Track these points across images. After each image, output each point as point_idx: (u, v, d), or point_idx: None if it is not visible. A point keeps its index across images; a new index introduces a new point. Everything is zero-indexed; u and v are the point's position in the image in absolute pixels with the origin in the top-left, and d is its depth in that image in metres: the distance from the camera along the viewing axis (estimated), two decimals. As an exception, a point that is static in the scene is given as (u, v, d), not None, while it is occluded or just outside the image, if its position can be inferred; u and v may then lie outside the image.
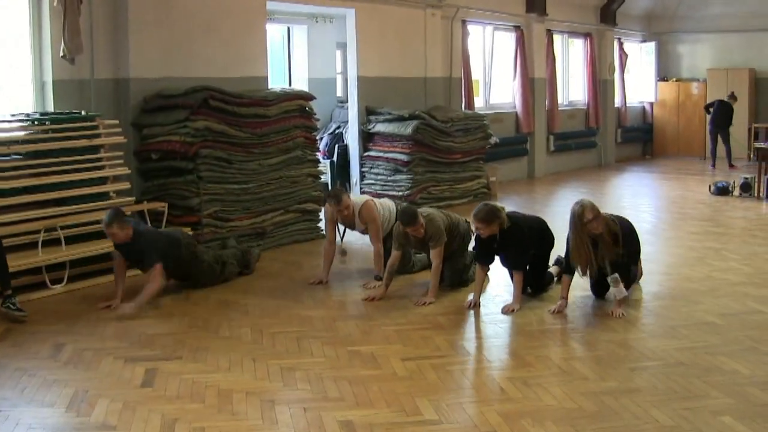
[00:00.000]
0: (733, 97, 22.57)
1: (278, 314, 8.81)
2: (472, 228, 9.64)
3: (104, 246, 10.04)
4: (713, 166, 22.67)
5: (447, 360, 7.33)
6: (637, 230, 9.34)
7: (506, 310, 8.75)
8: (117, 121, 11.14)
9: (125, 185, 10.97)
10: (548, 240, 9.52)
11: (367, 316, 8.76)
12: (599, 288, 9.11)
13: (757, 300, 9.17)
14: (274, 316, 8.73)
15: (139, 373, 6.99)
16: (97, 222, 10.13)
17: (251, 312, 8.92)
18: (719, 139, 22.67)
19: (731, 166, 22.36)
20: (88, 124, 10.63)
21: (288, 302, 9.30)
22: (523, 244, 9.01)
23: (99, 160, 10.71)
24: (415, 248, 9.83)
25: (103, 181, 10.71)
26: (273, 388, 6.64)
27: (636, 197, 18.21)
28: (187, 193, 11.31)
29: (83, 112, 10.76)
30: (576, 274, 8.84)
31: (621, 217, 9.21)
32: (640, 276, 9.70)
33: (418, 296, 9.34)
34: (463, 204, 15.96)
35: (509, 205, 15.71)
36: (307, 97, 12.97)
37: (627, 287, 8.83)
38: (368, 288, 9.81)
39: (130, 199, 11.00)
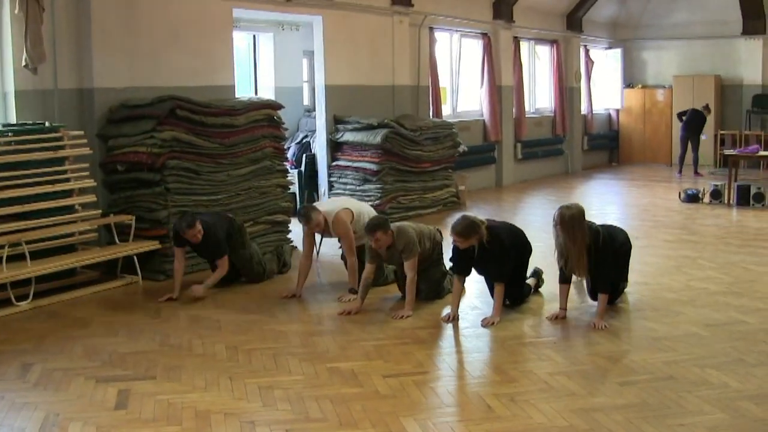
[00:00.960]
0: (707, 109, 22.52)
1: (252, 330, 8.57)
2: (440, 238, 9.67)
3: (70, 261, 9.89)
4: (680, 172, 22.59)
5: (430, 376, 7.14)
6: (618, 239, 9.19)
7: (486, 323, 8.55)
8: (82, 132, 10.85)
9: (91, 198, 10.70)
10: (527, 250, 9.34)
11: (343, 330, 8.53)
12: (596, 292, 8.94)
13: (738, 310, 9.04)
14: (248, 332, 8.49)
15: (112, 395, 6.73)
16: (62, 236, 9.96)
17: (224, 328, 8.67)
18: (689, 146, 22.59)
19: (697, 173, 22.35)
20: (52, 135, 10.33)
21: (261, 317, 9.07)
22: (504, 256, 8.80)
23: (64, 172, 10.41)
24: (387, 261, 9.56)
25: (68, 193, 10.43)
26: (252, 409, 6.40)
27: (605, 205, 18.06)
28: (154, 206, 11.02)
29: (47, 123, 10.46)
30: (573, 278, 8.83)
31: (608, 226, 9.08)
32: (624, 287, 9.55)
33: (393, 309, 9.15)
34: (433, 213, 15.85)
35: (480, 214, 15.58)
36: (275, 106, 12.74)
37: (612, 299, 8.72)
38: (343, 301, 9.58)
39: (96, 212, 10.73)
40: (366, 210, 10.33)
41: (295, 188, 15.42)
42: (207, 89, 12.51)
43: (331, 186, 15.54)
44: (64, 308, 9.51)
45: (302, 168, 15.75)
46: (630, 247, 9.39)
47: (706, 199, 17.14)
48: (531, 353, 7.73)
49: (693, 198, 17.25)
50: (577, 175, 23.70)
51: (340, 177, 15.47)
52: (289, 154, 15.97)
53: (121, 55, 11.61)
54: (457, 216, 8.90)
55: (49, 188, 10.19)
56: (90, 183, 10.69)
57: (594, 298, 8.98)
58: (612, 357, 7.53)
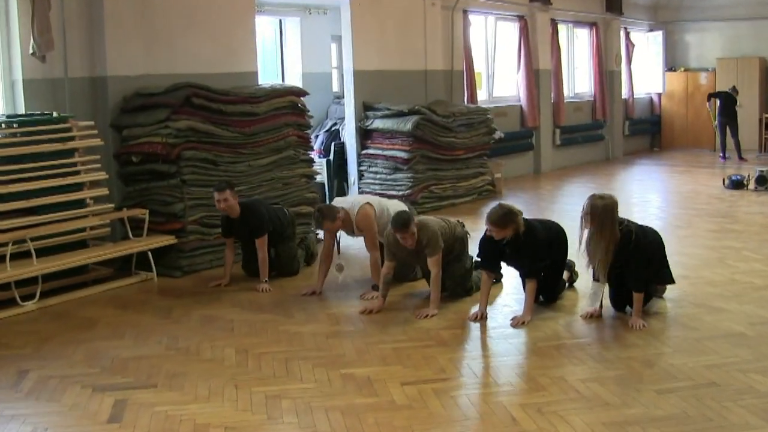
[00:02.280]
0: (734, 90, 22.00)
1: (266, 331, 8.07)
2: (468, 231, 9.21)
3: (79, 258, 9.47)
4: (723, 157, 22.00)
5: (451, 384, 6.59)
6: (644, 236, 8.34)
7: (516, 323, 8.00)
8: (92, 123, 10.37)
9: (103, 191, 10.22)
10: (564, 245, 8.77)
11: (363, 331, 8.01)
12: (619, 300, 8.31)
13: (786, 306, 8.44)
14: (261, 334, 7.99)
15: (107, 405, 6.25)
16: (72, 232, 9.54)
17: (237, 329, 8.18)
18: (728, 131, 21.97)
19: (741, 158, 21.72)
20: (60, 126, 9.86)
21: (277, 317, 8.57)
22: (538, 250, 8.24)
23: (74, 164, 9.93)
24: (409, 259, 9.03)
25: (78, 187, 9.95)
26: (255, 422, 5.90)
27: (646, 192, 17.49)
28: (169, 199, 10.56)
29: (54, 114, 9.99)
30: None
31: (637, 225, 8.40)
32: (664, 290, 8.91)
33: (419, 308, 8.61)
34: (467, 202, 15.36)
35: (516, 202, 15.07)
36: (299, 92, 12.25)
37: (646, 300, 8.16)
38: (365, 299, 9.07)
39: (108, 205, 10.28)
40: (388, 205, 9.81)
41: (323, 178, 14.98)
42: (228, 76, 12.01)
43: (361, 175, 15.03)
44: (73, 308, 9.06)
45: (331, 157, 15.25)
46: (663, 246, 8.58)
47: (751, 185, 16.49)
48: (563, 357, 7.15)
49: (737, 184, 16.60)
50: (617, 161, 23.08)
51: (370, 166, 14.95)
52: (318, 143, 15.51)
53: (135, 42, 11.09)
54: (492, 205, 8.35)
55: (57, 181, 9.71)
56: (102, 176, 10.22)
57: (617, 307, 8.34)
58: (649, 360, 6.95)
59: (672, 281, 8.48)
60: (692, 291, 9.06)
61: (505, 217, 8.04)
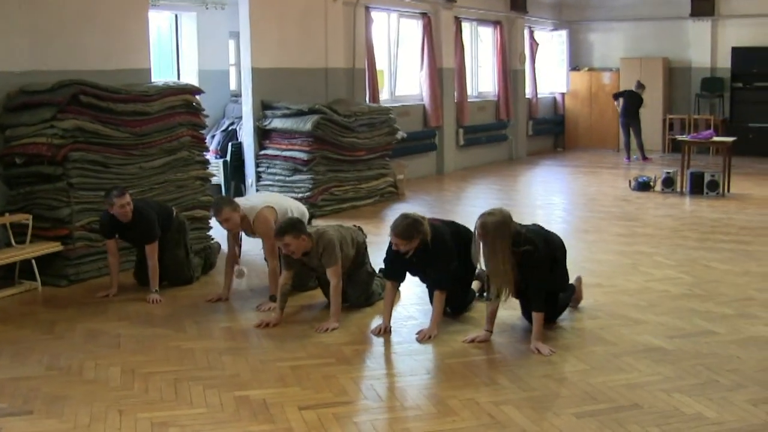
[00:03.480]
0: (640, 86, 21.84)
1: (155, 348, 7.50)
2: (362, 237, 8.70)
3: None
4: (628, 158, 21.88)
5: (353, 407, 6.09)
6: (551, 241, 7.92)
7: (422, 337, 7.54)
8: (-33, 122, 9.67)
9: (-20, 195, 9.54)
10: (469, 244, 7.89)
11: (259, 348, 7.48)
12: (530, 311, 7.65)
13: (704, 317, 8.10)
14: (149, 351, 7.41)
15: (-27, 438, 5.65)
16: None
17: (123, 345, 7.59)
18: (631, 131, 21.88)
19: (645, 158, 21.69)
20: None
21: (168, 331, 7.99)
22: (447, 259, 7.76)
23: (-53, 167, 9.25)
24: (306, 269, 8.48)
25: (-47, 190, 9.29)
26: (138, 455, 5.34)
27: (551, 194, 17.22)
28: (55, 203, 9.93)
29: None
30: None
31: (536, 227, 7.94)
32: (579, 300, 8.52)
33: (318, 320, 8.12)
34: (369, 205, 14.89)
35: (420, 205, 14.69)
36: (194, 91, 11.67)
37: (552, 317, 7.72)
38: (262, 310, 8.57)
39: (-11, 210, 9.61)
40: (293, 207, 9.30)
41: (219, 179, 14.41)
42: (121, 73, 11.36)
43: (258, 177, 14.44)
44: (-55, 322, 8.40)
45: (228, 158, 14.65)
46: (565, 251, 8.08)
47: (658, 187, 16.32)
48: (473, 375, 6.67)
49: (644, 186, 16.40)
50: (521, 161, 22.81)
51: (268, 167, 14.36)
52: (214, 143, 14.93)
53: (21, 35, 10.37)
54: (396, 210, 7.86)
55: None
56: (-21, 178, 9.54)
57: (528, 318, 7.74)
58: (565, 379, 6.53)
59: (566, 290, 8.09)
60: (606, 300, 8.69)
61: (410, 227, 7.54)
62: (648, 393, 6.17)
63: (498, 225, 7.20)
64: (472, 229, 7.64)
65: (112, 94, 10.43)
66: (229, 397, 6.25)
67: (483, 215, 7.31)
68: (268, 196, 10.14)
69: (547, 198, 16.55)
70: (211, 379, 6.64)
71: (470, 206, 15.10)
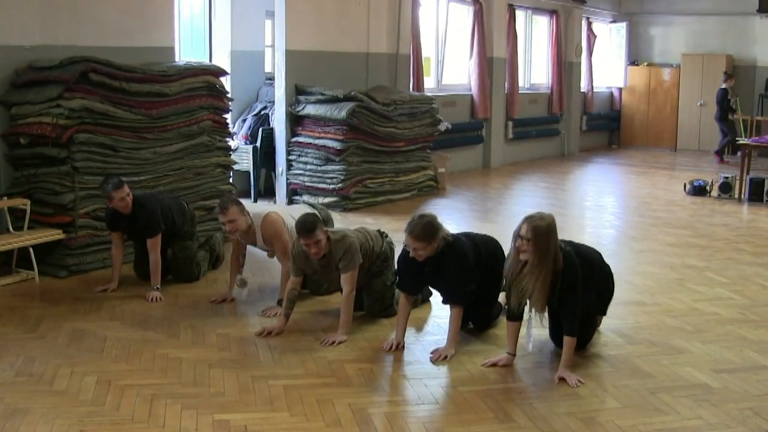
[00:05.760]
0: (727, 77, 21.24)
1: (140, 355, 6.78)
2: (393, 243, 7.89)
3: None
4: (720, 159, 21.05)
5: (345, 443, 5.31)
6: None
7: (437, 357, 6.73)
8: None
9: (-23, 176, 8.92)
10: (501, 263, 7.10)
11: (253, 360, 6.72)
12: (559, 332, 6.75)
13: (756, 348, 7.19)
14: (133, 359, 6.71)
15: None
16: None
17: (107, 350, 6.89)
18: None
19: (721, 160, 20.86)
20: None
21: (159, 336, 7.29)
22: (464, 271, 6.91)
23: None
24: (320, 274, 7.73)
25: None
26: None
27: (601, 195, 16.35)
28: (59, 188, 9.31)
29: None
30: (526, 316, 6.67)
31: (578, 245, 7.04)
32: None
33: (326, 330, 7.37)
34: (406, 199, 14.16)
35: (460, 201, 13.93)
36: (217, 72, 11.01)
37: (583, 343, 6.87)
38: (267, 316, 7.85)
39: (-14, 193, 9.00)
40: (294, 213, 8.50)
41: (248, 166, 13.68)
42: (140, 51, 10.74)
43: (289, 165, 13.68)
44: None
45: (258, 143, 13.90)
46: (609, 270, 7.18)
47: (714, 192, 15.37)
48: (488, 409, 5.82)
49: (699, 191, 15.47)
50: (573, 158, 21.97)
51: (299, 155, 13.61)
52: (245, 128, 14.17)
53: (31, 7, 9.75)
54: (434, 208, 7.17)
55: None
56: (-21, 159, 8.93)
57: (557, 342, 6.93)
58: (593, 419, 5.67)
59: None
60: (647, 322, 7.81)
61: (429, 227, 6.73)
62: (685, 442, 5.34)
63: (551, 229, 6.35)
64: (485, 239, 7.26)
65: (126, 73, 9.85)
66: (207, 421, 5.50)
67: (533, 218, 6.36)
68: (271, 206, 9.88)
69: (596, 199, 15.72)
70: (193, 398, 5.90)
71: (514, 205, 14.36)
